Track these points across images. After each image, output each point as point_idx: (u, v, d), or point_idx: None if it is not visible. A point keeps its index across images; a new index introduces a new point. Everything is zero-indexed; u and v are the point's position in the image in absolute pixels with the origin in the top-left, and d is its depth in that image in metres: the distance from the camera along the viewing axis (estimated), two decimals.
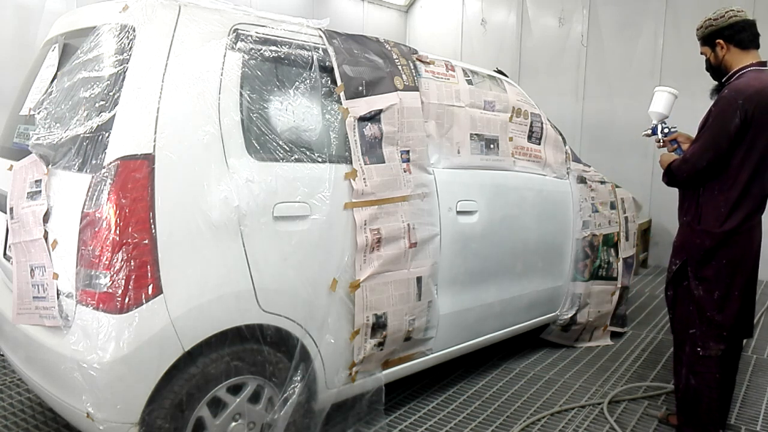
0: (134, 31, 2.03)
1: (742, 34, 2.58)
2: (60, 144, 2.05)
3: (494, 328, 3.31)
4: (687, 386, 2.66)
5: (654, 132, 2.79)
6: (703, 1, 6.11)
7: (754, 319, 2.72)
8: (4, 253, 2.38)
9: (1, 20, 4.63)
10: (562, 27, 7.09)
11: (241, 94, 2.15)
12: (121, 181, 1.88)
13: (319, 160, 2.33)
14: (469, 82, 3.12)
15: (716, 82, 2.74)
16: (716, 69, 2.69)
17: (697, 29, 2.72)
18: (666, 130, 2.76)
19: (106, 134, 1.94)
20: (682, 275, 2.68)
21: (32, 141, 2.11)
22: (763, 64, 2.59)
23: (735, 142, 2.48)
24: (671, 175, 2.71)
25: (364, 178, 2.45)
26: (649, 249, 6.61)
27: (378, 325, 2.52)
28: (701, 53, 2.74)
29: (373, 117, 2.53)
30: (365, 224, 2.44)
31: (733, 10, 2.60)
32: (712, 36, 2.63)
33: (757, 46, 2.62)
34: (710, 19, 2.64)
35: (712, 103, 2.59)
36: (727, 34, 2.59)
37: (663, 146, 2.79)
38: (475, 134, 3.08)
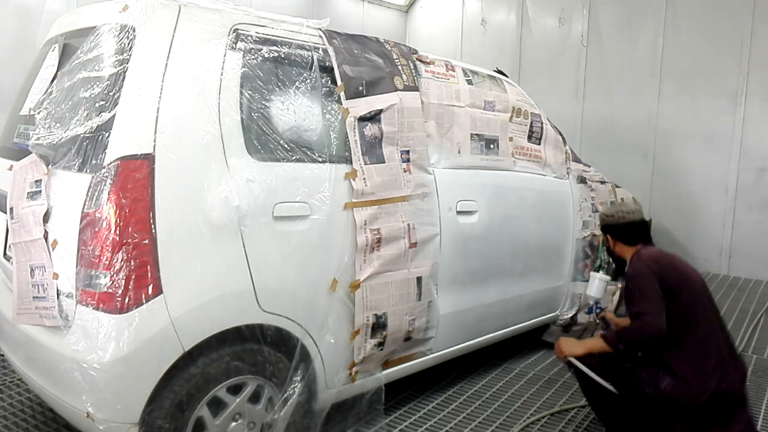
0: (134, 31, 2.03)
1: (630, 234, 2.63)
2: (60, 144, 2.05)
3: (494, 328, 3.31)
4: None
5: (590, 311, 3.73)
6: (703, 0, 6.13)
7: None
8: (4, 253, 2.38)
9: (1, 20, 4.63)
10: (562, 27, 7.08)
11: (241, 94, 2.15)
12: (121, 181, 1.88)
13: (320, 160, 2.33)
14: (469, 82, 3.12)
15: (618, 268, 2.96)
16: (612, 253, 2.77)
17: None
18: (597, 310, 3.56)
19: (106, 134, 1.94)
20: None
21: (32, 141, 2.11)
22: (647, 244, 2.63)
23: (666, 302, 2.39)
24: (631, 339, 2.44)
25: (364, 178, 2.45)
26: None
27: (378, 325, 2.52)
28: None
29: (373, 117, 2.53)
30: (365, 224, 2.44)
31: (623, 211, 2.66)
32: (603, 229, 2.77)
33: (644, 240, 2.64)
34: (605, 215, 2.75)
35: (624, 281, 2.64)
36: (614, 232, 2.68)
37: (597, 321, 3.56)
38: (475, 134, 3.08)
